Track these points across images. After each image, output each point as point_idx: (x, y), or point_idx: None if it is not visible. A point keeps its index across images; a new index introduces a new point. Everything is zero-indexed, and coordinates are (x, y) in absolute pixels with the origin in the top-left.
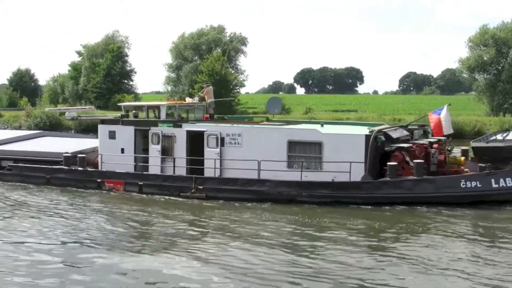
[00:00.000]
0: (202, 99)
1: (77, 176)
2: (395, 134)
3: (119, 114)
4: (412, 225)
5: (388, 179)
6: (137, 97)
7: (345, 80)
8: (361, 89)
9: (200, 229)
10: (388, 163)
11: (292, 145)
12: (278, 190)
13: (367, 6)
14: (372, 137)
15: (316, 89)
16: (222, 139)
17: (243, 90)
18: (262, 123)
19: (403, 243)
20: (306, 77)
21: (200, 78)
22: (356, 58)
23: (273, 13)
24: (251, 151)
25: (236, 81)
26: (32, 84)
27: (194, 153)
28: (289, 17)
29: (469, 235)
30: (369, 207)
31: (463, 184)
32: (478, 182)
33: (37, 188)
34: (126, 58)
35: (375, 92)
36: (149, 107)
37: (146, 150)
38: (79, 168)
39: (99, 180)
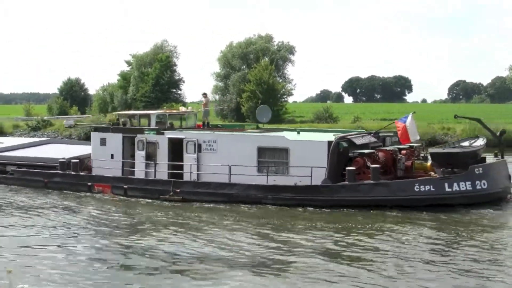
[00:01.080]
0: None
1: (70, 180)
2: (359, 141)
3: (111, 122)
4: (361, 226)
5: (346, 183)
6: (185, 106)
7: (393, 89)
8: (409, 97)
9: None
10: (347, 168)
11: (262, 151)
12: (246, 193)
13: (416, 14)
14: (333, 143)
15: (364, 98)
16: (199, 146)
17: (290, 99)
18: (236, 131)
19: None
20: (354, 86)
21: (247, 87)
22: (404, 66)
23: (321, 22)
24: (225, 156)
25: (283, 90)
26: (82, 93)
27: (175, 158)
28: (337, 25)
29: (416, 238)
30: (328, 210)
31: (417, 188)
32: (431, 186)
33: (34, 192)
34: (175, 67)
35: (424, 101)
36: (140, 115)
37: (133, 156)
38: (72, 173)
39: (89, 184)
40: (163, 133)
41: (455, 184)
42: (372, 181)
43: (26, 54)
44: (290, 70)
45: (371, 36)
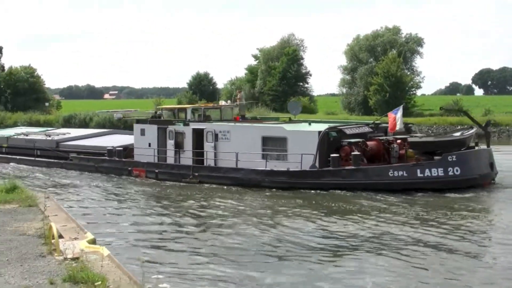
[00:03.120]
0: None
1: (114, 165)
2: (350, 131)
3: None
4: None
5: (331, 168)
6: (312, 99)
7: None
8: None
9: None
10: (331, 155)
11: (266, 140)
12: (248, 177)
13: None
14: (322, 132)
15: (495, 90)
16: (216, 135)
17: (419, 92)
18: (247, 122)
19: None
20: (485, 78)
21: (375, 80)
22: None
23: (450, 14)
24: (236, 145)
25: (411, 82)
26: (211, 87)
27: (198, 146)
28: (466, 17)
29: (387, 218)
30: (316, 191)
31: (391, 173)
32: (404, 172)
33: (87, 175)
34: (302, 61)
35: None
36: (179, 109)
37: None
38: (116, 159)
39: (129, 168)
40: (188, 125)
41: (427, 170)
42: (352, 167)
43: (157, 50)
44: (419, 63)
45: (502, 26)
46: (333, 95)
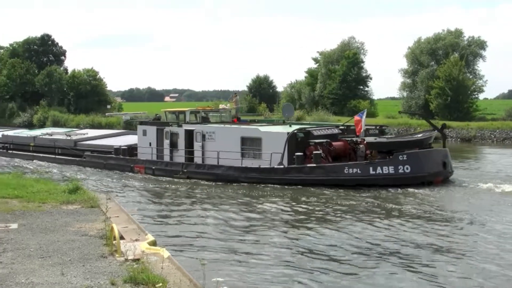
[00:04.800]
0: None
1: (119, 162)
2: (317, 132)
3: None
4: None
5: (295, 165)
6: (372, 103)
7: None
8: None
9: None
10: (296, 154)
11: (244, 140)
12: (227, 173)
13: None
14: (290, 133)
15: None
16: (204, 136)
17: (481, 96)
18: (232, 123)
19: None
20: None
21: (436, 83)
22: None
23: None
24: (220, 144)
25: (474, 86)
26: (270, 90)
27: (190, 146)
28: None
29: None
30: (282, 186)
31: (346, 171)
32: (358, 169)
33: (97, 171)
34: (362, 64)
35: None
36: (179, 112)
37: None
38: (121, 156)
39: (131, 165)
40: (181, 126)
41: (378, 168)
42: (313, 165)
43: (217, 53)
44: (481, 66)
45: None
46: (393, 98)
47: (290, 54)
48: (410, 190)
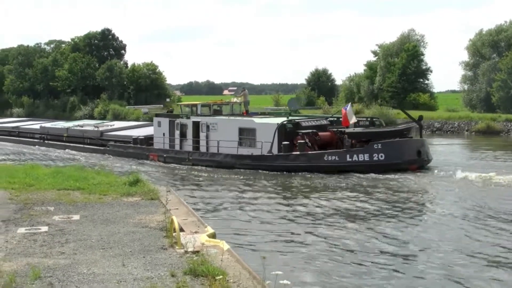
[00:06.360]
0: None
1: (136, 151)
2: (306, 124)
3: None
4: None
5: (282, 153)
6: (432, 96)
7: None
8: None
9: None
10: (283, 143)
11: (241, 131)
12: (225, 160)
13: None
14: (279, 124)
15: None
16: (208, 127)
17: None
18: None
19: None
20: None
21: (498, 76)
22: None
23: None
24: (221, 134)
25: None
26: (329, 83)
27: (197, 136)
28: None
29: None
30: (271, 172)
31: (326, 158)
32: (336, 157)
33: (118, 159)
34: (422, 57)
35: None
36: (192, 105)
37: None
38: (138, 146)
39: (147, 154)
40: (189, 118)
41: (355, 156)
42: (297, 152)
43: (276, 47)
44: None
45: None
46: (454, 91)
47: (349, 47)
48: (381, 176)
